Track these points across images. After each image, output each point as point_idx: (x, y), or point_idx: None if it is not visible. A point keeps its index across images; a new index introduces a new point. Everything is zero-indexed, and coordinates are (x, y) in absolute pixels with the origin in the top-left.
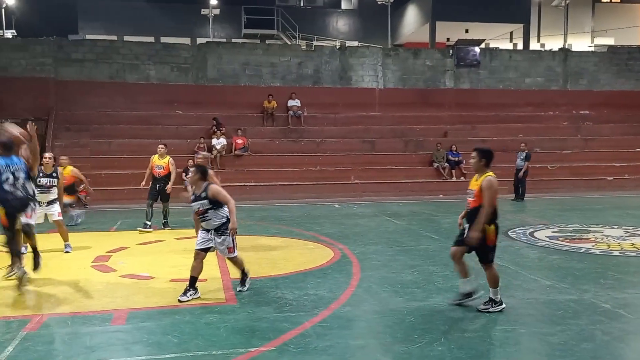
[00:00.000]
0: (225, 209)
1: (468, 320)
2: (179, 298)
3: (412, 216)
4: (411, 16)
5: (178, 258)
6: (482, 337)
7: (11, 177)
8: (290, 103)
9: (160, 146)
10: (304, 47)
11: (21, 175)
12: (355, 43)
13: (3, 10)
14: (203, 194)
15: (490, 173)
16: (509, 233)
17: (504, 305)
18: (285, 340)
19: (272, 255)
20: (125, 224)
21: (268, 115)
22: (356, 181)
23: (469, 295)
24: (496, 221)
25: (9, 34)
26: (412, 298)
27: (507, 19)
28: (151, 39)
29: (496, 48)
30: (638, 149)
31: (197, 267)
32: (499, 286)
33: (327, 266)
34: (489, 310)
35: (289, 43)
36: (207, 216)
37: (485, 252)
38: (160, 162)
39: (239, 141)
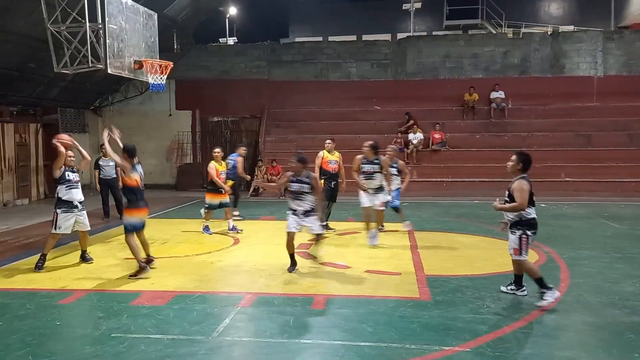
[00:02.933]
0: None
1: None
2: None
3: (636, 220)
4: None
5: (371, 251)
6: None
7: None
8: (493, 95)
9: (328, 141)
10: (510, 35)
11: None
12: (571, 27)
13: (227, 20)
14: (306, 179)
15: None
16: None
17: None
18: (481, 342)
19: (470, 254)
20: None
21: (468, 108)
22: (567, 179)
23: None
24: None
25: (231, 41)
26: (633, 312)
27: None
28: (353, 38)
29: None
30: None
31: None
32: None
33: None
34: None
35: (494, 32)
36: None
37: None
38: (333, 157)
39: (437, 136)
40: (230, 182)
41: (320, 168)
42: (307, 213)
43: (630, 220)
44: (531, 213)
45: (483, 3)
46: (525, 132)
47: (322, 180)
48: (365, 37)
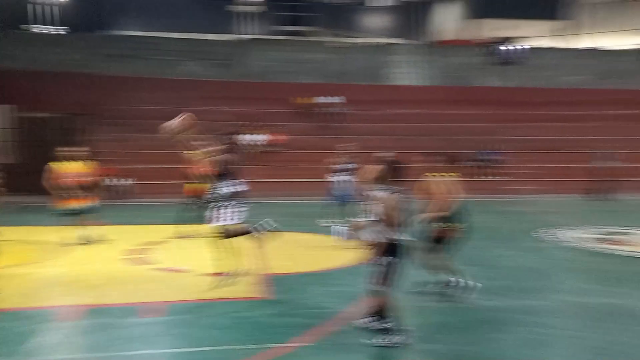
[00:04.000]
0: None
1: (497, 322)
2: None
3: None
4: (451, 13)
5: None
6: (515, 339)
7: None
8: (326, 100)
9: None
10: (339, 44)
11: None
12: (393, 40)
13: (54, 7)
14: None
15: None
16: (537, 233)
17: None
18: (321, 336)
19: (308, 252)
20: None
21: (303, 112)
22: None
23: None
24: None
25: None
26: (441, 299)
27: (549, 16)
28: (189, 35)
29: (539, 46)
30: None
31: None
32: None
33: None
34: None
35: (327, 40)
36: None
37: None
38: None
39: (277, 138)
40: None
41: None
42: None
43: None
44: None
45: (313, 11)
46: (360, 136)
47: None
48: (200, 36)
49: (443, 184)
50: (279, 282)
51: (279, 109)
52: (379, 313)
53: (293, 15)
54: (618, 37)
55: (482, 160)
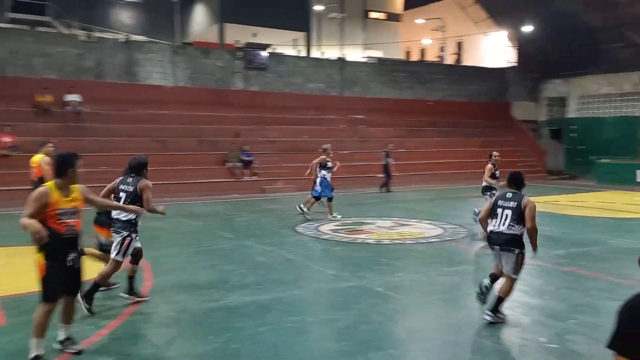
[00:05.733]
0: None
1: (260, 315)
2: None
3: (208, 216)
4: (200, 15)
5: None
6: (274, 329)
7: None
8: (69, 98)
9: None
10: (83, 38)
11: None
12: (142, 37)
13: None
14: None
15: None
16: (297, 228)
17: None
18: (70, 356)
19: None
20: None
21: (42, 110)
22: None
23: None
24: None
25: None
26: (209, 299)
27: (290, 26)
28: None
29: (282, 53)
30: (402, 150)
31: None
32: None
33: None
34: None
35: (66, 32)
36: None
37: None
38: None
39: (6, 139)
40: None
41: None
42: None
43: (203, 217)
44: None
45: (62, 2)
46: (105, 137)
47: None
48: None
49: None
50: (17, 304)
51: (18, 107)
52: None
53: (34, 3)
54: (353, 50)
55: (241, 161)
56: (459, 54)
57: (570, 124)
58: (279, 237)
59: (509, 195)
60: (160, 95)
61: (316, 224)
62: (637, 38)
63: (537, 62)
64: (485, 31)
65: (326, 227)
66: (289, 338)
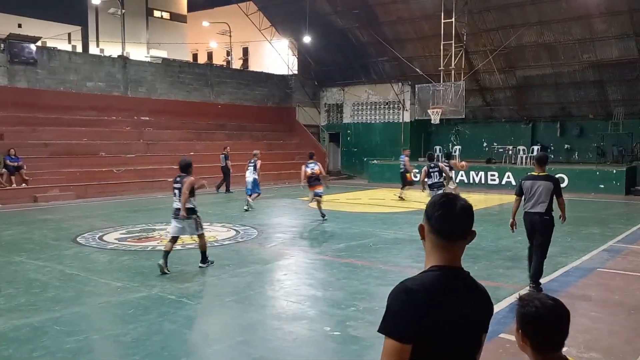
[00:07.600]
0: None
1: (34, 339)
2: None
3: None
4: None
5: None
6: (52, 353)
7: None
8: None
9: None
10: None
11: None
12: None
13: None
14: None
15: None
16: (78, 239)
17: None
18: None
19: None
20: None
21: None
22: None
23: None
24: None
25: None
26: None
27: (63, 19)
28: None
29: (54, 48)
30: (193, 153)
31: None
32: None
33: None
34: None
35: None
36: None
37: None
38: None
39: None
40: None
41: None
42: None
43: None
44: None
45: None
46: None
47: None
48: None
49: None
50: None
51: None
52: None
53: None
54: (137, 48)
55: (6, 167)
56: (245, 58)
57: (346, 128)
58: (56, 251)
59: None
60: None
61: (100, 234)
62: (397, 53)
63: (317, 71)
64: (269, 38)
65: (111, 236)
66: (83, 357)
